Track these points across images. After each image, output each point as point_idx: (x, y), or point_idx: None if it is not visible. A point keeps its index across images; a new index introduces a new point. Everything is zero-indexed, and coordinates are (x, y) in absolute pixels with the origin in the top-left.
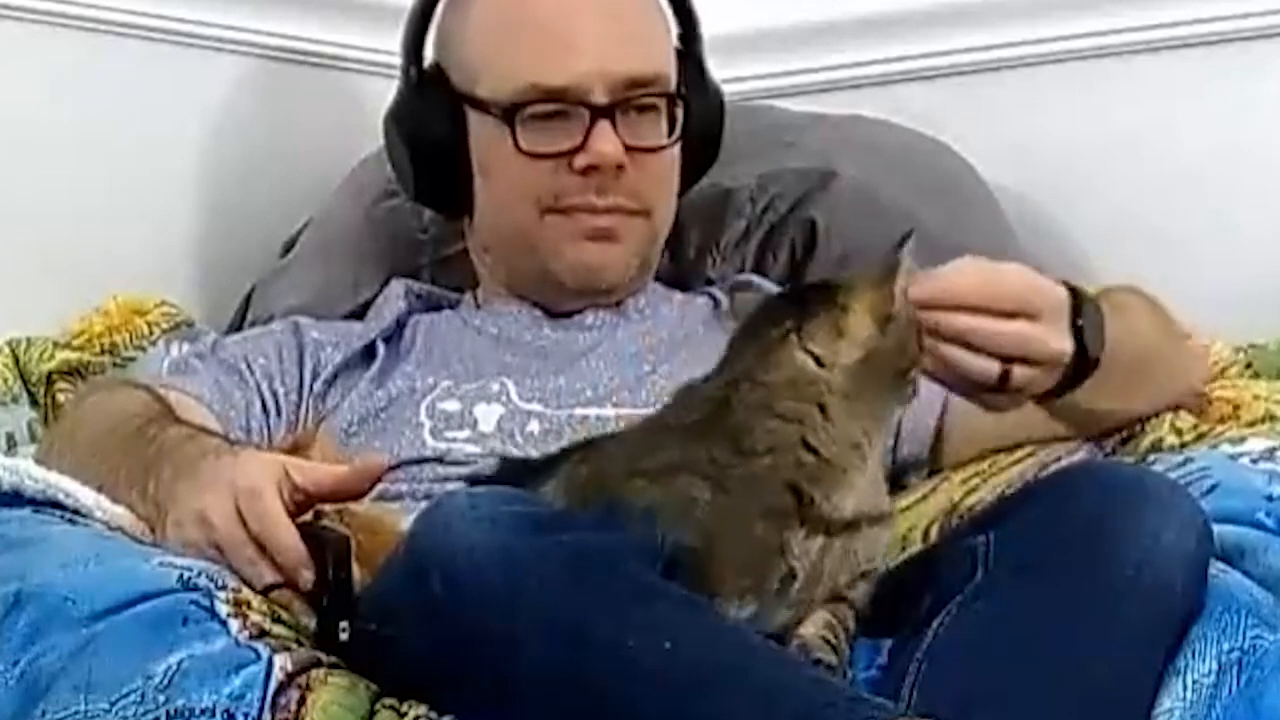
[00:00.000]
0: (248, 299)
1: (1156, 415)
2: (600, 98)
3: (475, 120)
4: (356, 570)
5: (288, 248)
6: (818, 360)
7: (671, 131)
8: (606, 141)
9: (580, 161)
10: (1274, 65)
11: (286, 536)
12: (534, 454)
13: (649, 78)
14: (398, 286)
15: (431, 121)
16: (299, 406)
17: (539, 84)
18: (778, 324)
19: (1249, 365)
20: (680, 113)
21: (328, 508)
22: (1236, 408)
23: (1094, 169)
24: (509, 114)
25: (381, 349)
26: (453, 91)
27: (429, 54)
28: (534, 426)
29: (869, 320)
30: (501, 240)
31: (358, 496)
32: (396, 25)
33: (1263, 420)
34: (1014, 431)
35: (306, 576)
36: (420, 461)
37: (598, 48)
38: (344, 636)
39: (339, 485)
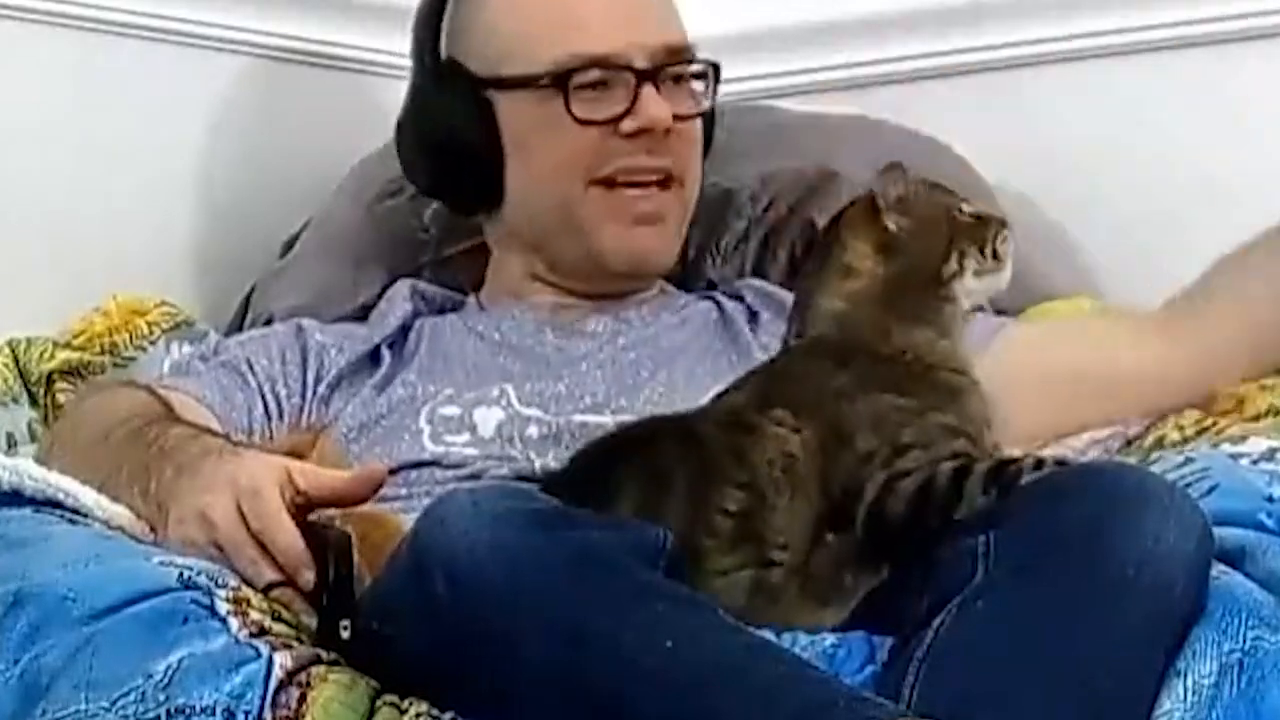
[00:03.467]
0: (248, 299)
1: (1163, 416)
2: (641, 63)
3: (506, 101)
4: (359, 567)
5: (288, 247)
6: (844, 301)
7: (702, 100)
8: (656, 105)
9: (630, 125)
10: (1277, 65)
11: (287, 536)
12: (534, 458)
13: (683, 47)
14: (403, 288)
15: (456, 113)
16: (301, 409)
17: (582, 52)
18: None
19: None
20: (714, 82)
21: (329, 511)
22: (1240, 401)
23: (1095, 169)
24: (560, 82)
25: (386, 355)
26: (473, 79)
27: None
28: (533, 431)
29: (868, 249)
30: (540, 221)
31: (358, 502)
32: (396, 25)
33: (1267, 414)
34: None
35: (307, 576)
36: (419, 465)
37: (635, 17)
38: (345, 635)
39: (340, 491)
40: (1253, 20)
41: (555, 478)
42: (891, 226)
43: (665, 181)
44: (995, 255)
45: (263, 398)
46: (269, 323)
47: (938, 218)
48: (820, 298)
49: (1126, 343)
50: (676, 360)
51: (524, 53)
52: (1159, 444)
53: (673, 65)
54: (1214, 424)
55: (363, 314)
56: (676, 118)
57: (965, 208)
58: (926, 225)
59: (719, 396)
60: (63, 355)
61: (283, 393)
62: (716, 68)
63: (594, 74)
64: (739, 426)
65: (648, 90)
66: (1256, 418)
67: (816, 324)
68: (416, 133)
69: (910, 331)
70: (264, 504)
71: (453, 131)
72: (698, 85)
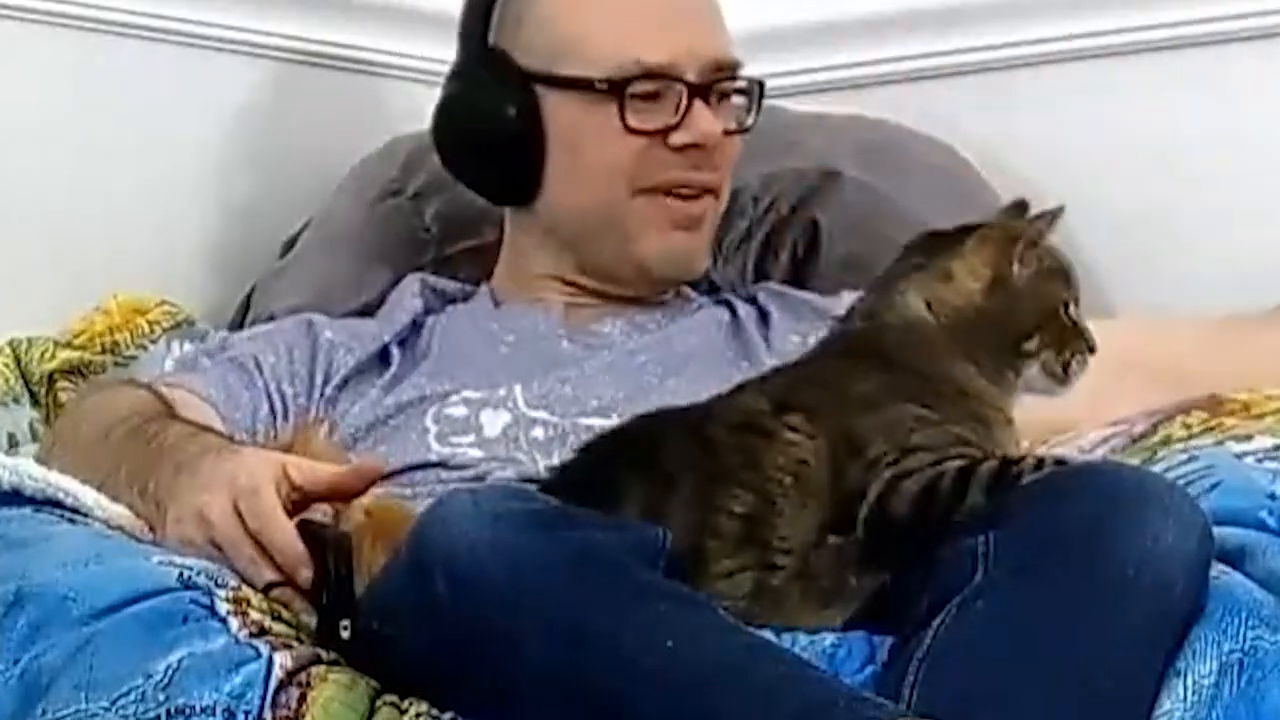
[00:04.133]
0: (248, 298)
1: (1169, 417)
2: (693, 77)
3: (555, 98)
4: (369, 551)
5: (288, 247)
6: (927, 304)
7: (747, 116)
8: (708, 120)
9: (680, 138)
10: (1275, 64)
11: (284, 535)
12: (539, 460)
13: (733, 62)
14: (413, 283)
15: (500, 103)
16: (307, 409)
17: (642, 60)
18: (903, 264)
19: None
20: (758, 99)
21: (324, 506)
22: (1246, 405)
23: (1095, 168)
24: (618, 90)
25: (396, 354)
26: (521, 72)
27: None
28: (539, 433)
29: (983, 273)
30: (580, 221)
31: (354, 496)
32: (396, 25)
33: (1273, 413)
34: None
35: (305, 575)
36: (425, 466)
37: (690, 29)
38: (345, 635)
39: (335, 484)
40: (1252, 20)
41: (559, 476)
42: (1015, 268)
43: (708, 191)
44: (1065, 368)
45: (269, 397)
46: (270, 322)
47: (1045, 295)
48: (908, 289)
49: (1188, 334)
50: (686, 366)
51: (579, 53)
52: (1165, 442)
53: (722, 81)
54: (1220, 424)
55: (365, 313)
56: (724, 133)
57: (1073, 309)
58: (1032, 294)
59: (738, 389)
60: (64, 355)
61: (289, 392)
62: (761, 86)
63: (649, 84)
64: (752, 429)
65: (699, 105)
66: (1261, 416)
67: (889, 313)
68: (457, 119)
69: (962, 366)
70: (261, 503)
71: (495, 122)
72: (739, 100)
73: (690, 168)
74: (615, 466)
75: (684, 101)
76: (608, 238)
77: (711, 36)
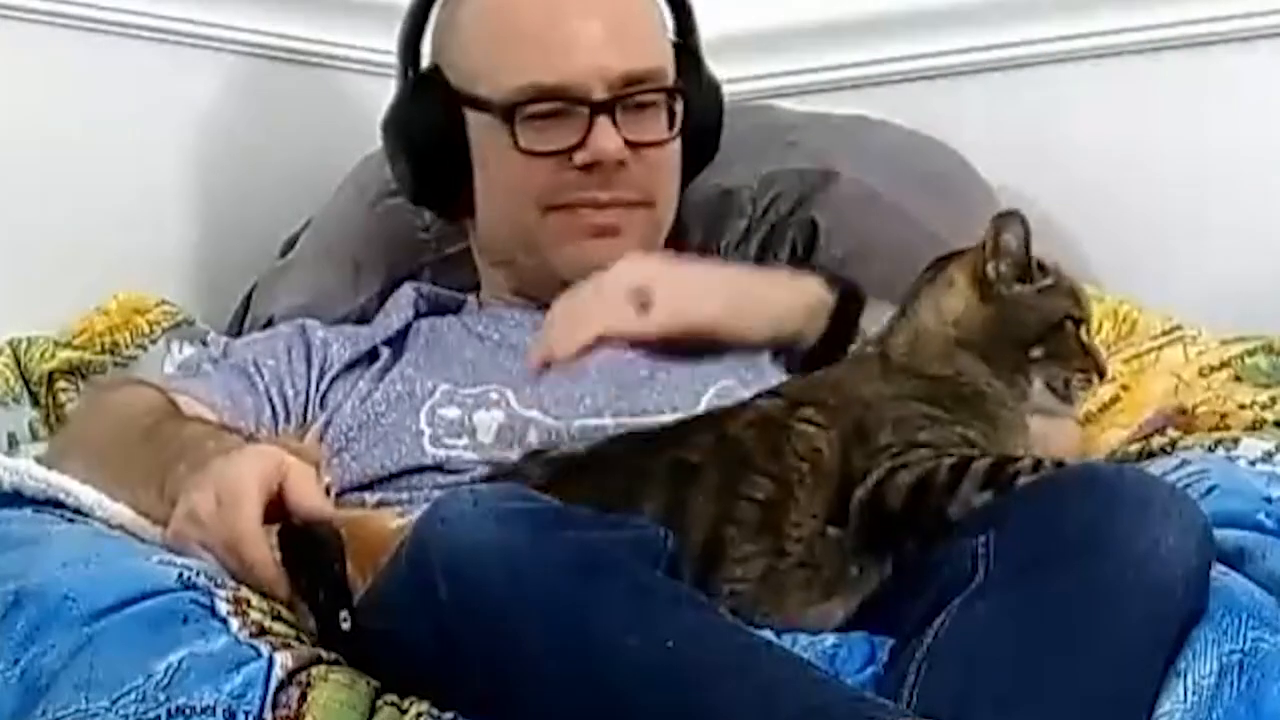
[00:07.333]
0: (248, 299)
1: (1146, 436)
2: (599, 94)
3: (474, 120)
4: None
5: (288, 247)
6: (936, 312)
7: (672, 125)
8: (607, 138)
9: (581, 158)
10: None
11: (256, 554)
12: None
13: (647, 73)
14: (407, 291)
15: (430, 122)
16: (306, 407)
17: (539, 83)
18: (918, 281)
19: (1238, 378)
20: (680, 106)
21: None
22: (1224, 416)
23: (1094, 168)
24: (509, 113)
25: (384, 351)
26: (451, 92)
27: (426, 56)
28: (533, 436)
29: (970, 280)
30: (503, 239)
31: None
32: (398, 26)
33: (1253, 427)
34: None
35: (282, 592)
36: (420, 470)
37: (596, 44)
38: (345, 626)
39: (320, 518)
40: (1256, 20)
41: (576, 463)
42: (990, 273)
43: (628, 204)
44: (1066, 384)
45: (271, 401)
46: (269, 323)
47: (1049, 309)
48: (919, 303)
49: None
50: (677, 359)
51: (488, 76)
52: (1145, 453)
53: (632, 95)
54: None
55: (364, 314)
56: (636, 145)
57: (1085, 332)
58: (1035, 305)
59: (754, 398)
60: (63, 355)
61: (290, 392)
62: (677, 93)
63: (546, 105)
64: (771, 423)
65: (600, 122)
66: (1255, 426)
67: (899, 329)
68: (395, 137)
69: (975, 365)
70: (239, 515)
71: (430, 140)
72: (680, 107)
73: (596, 186)
74: (639, 458)
75: (586, 119)
76: (527, 254)
77: (622, 51)
